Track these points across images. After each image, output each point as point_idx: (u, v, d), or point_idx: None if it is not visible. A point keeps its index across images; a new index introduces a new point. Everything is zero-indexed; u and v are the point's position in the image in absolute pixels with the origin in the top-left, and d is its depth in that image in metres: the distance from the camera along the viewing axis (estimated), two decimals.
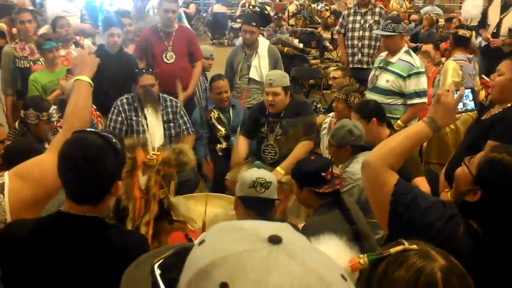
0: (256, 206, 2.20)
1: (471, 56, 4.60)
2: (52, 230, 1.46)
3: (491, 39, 5.66)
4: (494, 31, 5.79)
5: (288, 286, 0.56)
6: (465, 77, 4.34)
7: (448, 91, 1.60)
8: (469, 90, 1.76)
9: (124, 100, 3.86)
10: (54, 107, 3.25)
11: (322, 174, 2.35)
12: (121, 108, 3.84)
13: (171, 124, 3.88)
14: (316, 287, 0.57)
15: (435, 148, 4.19)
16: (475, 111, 2.96)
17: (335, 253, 1.11)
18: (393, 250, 1.04)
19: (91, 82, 1.94)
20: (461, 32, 4.70)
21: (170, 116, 3.89)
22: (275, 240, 0.60)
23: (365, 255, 1.08)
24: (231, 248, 0.59)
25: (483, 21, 6.02)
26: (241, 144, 3.77)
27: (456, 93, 1.62)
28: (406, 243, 1.05)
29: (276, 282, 0.56)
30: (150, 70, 3.87)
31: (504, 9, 5.75)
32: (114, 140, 1.47)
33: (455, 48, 4.66)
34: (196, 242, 0.66)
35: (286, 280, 0.57)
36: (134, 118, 3.84)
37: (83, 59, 1.99)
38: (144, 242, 1.59)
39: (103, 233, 1.49)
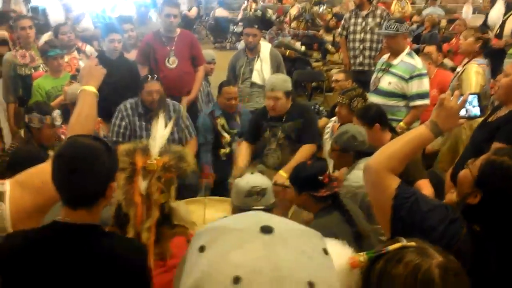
0: None
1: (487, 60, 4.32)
2: (49, 240, 1.46)
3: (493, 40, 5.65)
4: (497, 32, 5.78)
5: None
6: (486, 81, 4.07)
7: (451, 95, 1.59)
8: (475, 96, 1.72)
9: (128, 105, 3.87)
10: (57, 111, 3.26)
11: (320, 177, 2.35)
12: (125, 113, 3.85)
13: (174, 128, 3.89)
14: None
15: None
16: None
17: (337, 252, 1.12)
18: (391, 247, 1.05)
19: (97, 93, 1.96)
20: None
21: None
22: (267, 229, 0.66)
23: (365, 252, 1.09)
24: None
25: (484, 23, 6.01)
26: (244, 151, 3.75)
27: (460, 97, 1.61)
28: (404, 240, 1.06)
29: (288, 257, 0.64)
30: (156, 76, 3.89)
31: (507, 10, 5.73)
32: (107, 143, 1.51)
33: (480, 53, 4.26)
34: (195, 248, 0.68)
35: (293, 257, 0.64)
36: (137, 123, 3.85)
37: (90, 69, 2.02)
38: (141, 248, 1.59)
39: (100, 242, 1.49)
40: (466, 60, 4.27)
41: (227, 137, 4.10)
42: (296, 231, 0.69)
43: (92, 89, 1.94)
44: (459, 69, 4.22)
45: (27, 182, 1.65)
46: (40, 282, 1.42)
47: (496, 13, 6.24)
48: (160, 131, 1.94)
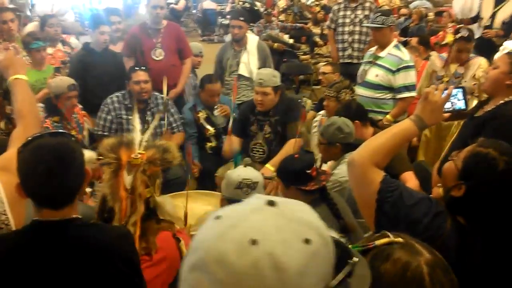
0: None
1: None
2: (33, 241, 1.41)
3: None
4: (488, 24, 5.80)
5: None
6: None
7: (436, 89, 1.59)
8: (459, 89, 1.73)
9: (115, 98, 3.84)
10: (40, 104, 3.22)
11: (307, 171, 2.35)
12: (111, 107, 3.82)
13: (162, 122, 3.86)
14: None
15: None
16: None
17: None
18: (378, 242, 1.04)
19: (27, 80, 2.02)
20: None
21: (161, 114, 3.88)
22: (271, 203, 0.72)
23: (350, 246, 1.08)
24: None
25: (475, 15, 6.03)
26: (233, 139, 3.76)
27: (445, 91, 1.61)
28: (391, 236, 1.05)
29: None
30: (144, 68, 3.85)
31: (498, 2, 5.75)
32: (68, 133, 1.51)
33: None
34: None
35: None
36: (124, 116, 3.81)
37: (11, 60, 2.04)
38: (127, 234, 1.58)
39: (88, 233, 1.47)
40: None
41: (211, 129, 4.09)
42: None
43: (24, 77, 1.98)
44: (462, 70, 3.98)
45: (8, 165, 1.62)
46: (34, 285, 1.39)
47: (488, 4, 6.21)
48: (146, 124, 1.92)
